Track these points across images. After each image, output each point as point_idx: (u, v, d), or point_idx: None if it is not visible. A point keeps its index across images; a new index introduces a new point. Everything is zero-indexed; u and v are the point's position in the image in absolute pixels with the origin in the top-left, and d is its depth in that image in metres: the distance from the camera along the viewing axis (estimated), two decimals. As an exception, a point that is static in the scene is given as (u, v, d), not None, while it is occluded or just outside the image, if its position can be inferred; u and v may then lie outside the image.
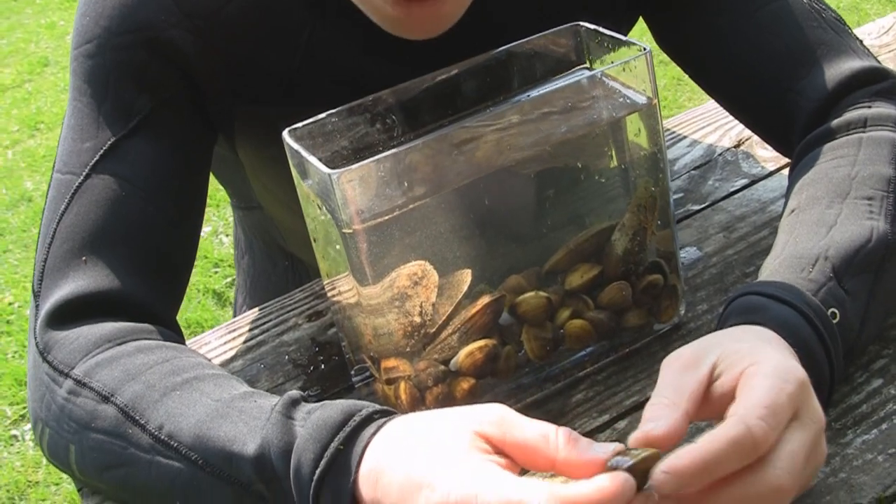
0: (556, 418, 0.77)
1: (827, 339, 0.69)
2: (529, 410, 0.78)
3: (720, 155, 1.05)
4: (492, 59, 0.81)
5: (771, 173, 1.00)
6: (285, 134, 0.73)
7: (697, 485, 0.57)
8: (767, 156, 1.03)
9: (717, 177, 1.02)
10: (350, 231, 0.68)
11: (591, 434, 0.75)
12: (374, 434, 0.62)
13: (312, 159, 0.69)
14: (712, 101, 1.01)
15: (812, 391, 0.62)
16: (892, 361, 0.76)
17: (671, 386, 0.62)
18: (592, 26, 0.80)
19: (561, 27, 0.81)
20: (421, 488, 0.58)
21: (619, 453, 0.57)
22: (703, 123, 1.11)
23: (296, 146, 0.72)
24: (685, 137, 1.10)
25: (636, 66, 0.74)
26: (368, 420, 0.63)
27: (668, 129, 1.12)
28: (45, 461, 2.26)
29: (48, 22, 5.28)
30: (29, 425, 2.37)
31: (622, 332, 0.82)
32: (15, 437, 2.36)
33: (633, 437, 0.59)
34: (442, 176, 0.71)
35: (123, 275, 0.81)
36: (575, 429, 0.72)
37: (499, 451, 0.59)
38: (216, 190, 2.60)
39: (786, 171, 0.99)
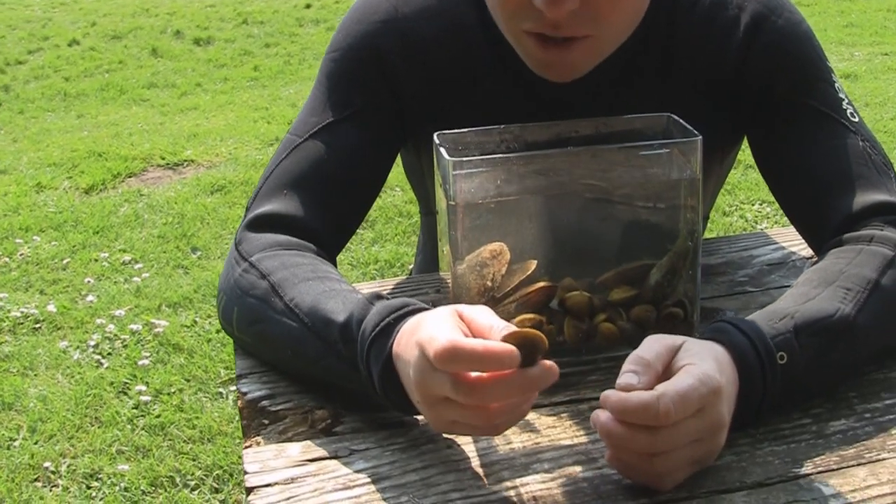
0: (573, 386, 1.04)
1: (767, 370, 0.93)
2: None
3: (793, 261, 1.29)
4: (603, 122, 1.10)
5: (824, 280, 1.24)
6: (435, 135, 1.06)
7: (617, 415, 0.85)
8: (829, 269, 1.26)
9: (781, 274, 1.26)
10: (454, 203, 0.99)
11: (594, 400, 1.02)
12: (412, 318, 0.93)
13: (442, 150, 1.01)
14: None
15: (723, 399, 0.88)
16: (826, 412, 0.99)
17: (652, 349, 0.90)
18: (676, 118, 1.08)
19: (656, 114, 1.10)
20: (413, 334, 0.89)
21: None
22: (797, 239, 1.35)
23: (437, 142, 1.04)
24: (777, 244, 1.35)
25: (690, 148, 1.02)
26: (414, 311, 0.94)
27: (769, 237, 1.37)
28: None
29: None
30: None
31: (642, 344, 1.08)
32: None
33: (620, 384, 0.87)
34: (527, 186, 1.02)
35: (309, 210, 1.15)
36: (582, 396, 1.01)
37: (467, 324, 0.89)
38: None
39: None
